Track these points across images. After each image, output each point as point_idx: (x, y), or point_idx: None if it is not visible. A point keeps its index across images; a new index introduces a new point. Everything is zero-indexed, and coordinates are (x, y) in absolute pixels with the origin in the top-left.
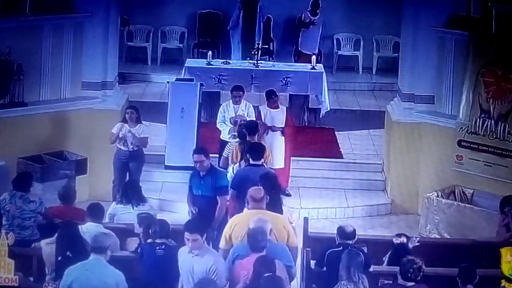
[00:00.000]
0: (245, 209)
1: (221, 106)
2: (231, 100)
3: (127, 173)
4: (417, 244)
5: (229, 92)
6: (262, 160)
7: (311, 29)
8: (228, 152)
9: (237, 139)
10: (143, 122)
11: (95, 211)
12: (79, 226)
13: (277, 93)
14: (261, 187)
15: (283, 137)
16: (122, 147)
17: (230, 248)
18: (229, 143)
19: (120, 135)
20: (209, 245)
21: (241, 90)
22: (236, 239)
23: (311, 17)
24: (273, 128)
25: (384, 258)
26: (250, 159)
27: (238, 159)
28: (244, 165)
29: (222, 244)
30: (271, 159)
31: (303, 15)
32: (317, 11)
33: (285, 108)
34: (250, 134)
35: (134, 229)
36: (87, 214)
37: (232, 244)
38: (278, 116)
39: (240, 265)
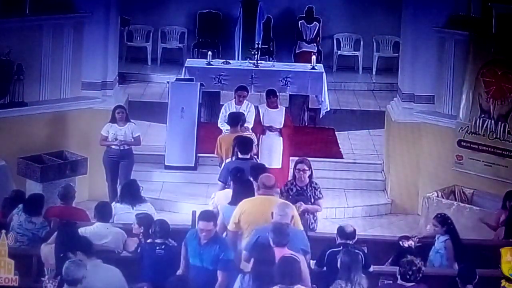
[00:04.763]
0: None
1: (223, 106)
2: (233, 100)
3: (118, 172)
4: (418, 244)
5: (232, 92)
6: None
7: (307, 41)
8: None
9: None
10: (132, 121)
11: (103, 211)
12: (85, 228)
13: (277, 93)
14: (271, 175)
15: (281, 138)
16: (113, 146)
17: (238, 231)
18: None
19: (110, 136)
20: None
21: (245, 90)
22: (245, 224)
23: (307, 25)
24: (270, 128)
25: (388, 260)
26: (239, 153)
27: (230, 155)
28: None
29: (231, 227)
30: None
31: (300, 25)
32: (312, 20)
33: (284, 108)
34: (231, 125)
35: (133, 229)
36: (95, 214)
37: (241, 228)
38: (276, 116)
39: None
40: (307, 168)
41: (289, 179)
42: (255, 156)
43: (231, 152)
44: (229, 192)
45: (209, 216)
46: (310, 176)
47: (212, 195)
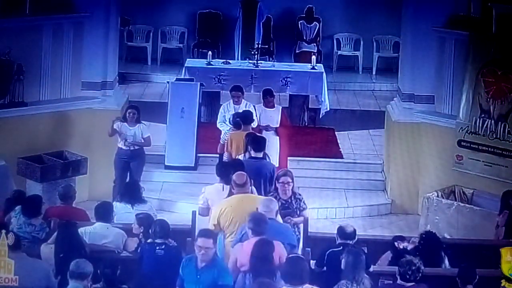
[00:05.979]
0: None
1: (222, 106)
2: (231, 100)
3: (128, 173)
4: (418, 244)
5: (229, 92)
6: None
7: (307, 41)
8: (225, 138)
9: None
10: (143, 122)
11: (103, 211)
12: (85, 228)
13: (274, 93)
14: (244, 172)
15: (277, 137)
16: (124, 147)
17: (218, 232)
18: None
19: (120, 133)
20: None
21: (239, 91)
22: (225, 223)
23: (307, 25)
24: (267, 128)
25: (381, 259)
26: (252, 151)
27: (240, 152)
28: (247, 157)
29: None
30: None
31: (300, 25)
32: (312, 20)
33: (280, 107)
34: (245, 123)
35: (133, 229)
36: (95, 214)
37: (221, 228)
38: (273, 116)
39: (241, 248)
40: (290, 180)
41: (271, 192)
42: (268, 155)
43: (243, 150)
44: (219, 186)
45: (209, 233)
46: (293, 188)
47: (202, 190)
